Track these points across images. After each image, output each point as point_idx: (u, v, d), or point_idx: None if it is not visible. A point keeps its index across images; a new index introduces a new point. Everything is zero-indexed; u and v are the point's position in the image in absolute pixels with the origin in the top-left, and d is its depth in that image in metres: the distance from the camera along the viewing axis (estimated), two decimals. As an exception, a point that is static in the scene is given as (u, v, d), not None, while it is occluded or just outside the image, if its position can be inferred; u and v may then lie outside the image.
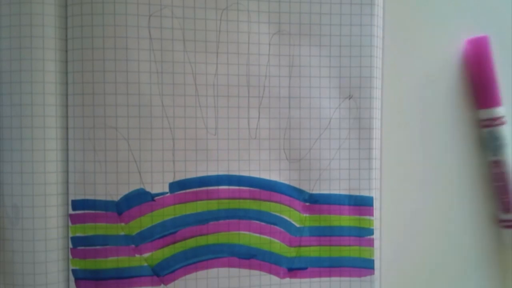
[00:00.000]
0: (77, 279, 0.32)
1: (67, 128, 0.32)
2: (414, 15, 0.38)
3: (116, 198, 0.32)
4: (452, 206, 0.39)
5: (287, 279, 0.35)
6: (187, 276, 0.34)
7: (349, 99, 0.35)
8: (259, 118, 0.35)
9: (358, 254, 0.36)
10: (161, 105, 0.33)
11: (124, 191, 0.33)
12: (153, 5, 0.33)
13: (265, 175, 0.34)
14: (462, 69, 0.38)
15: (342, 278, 0.36)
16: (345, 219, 0.35)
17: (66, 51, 0.32)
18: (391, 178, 0.37)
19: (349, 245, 0.36)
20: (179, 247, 0.34)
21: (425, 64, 0.38)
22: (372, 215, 0.36)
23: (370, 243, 0.36)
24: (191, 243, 0.34)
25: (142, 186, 0.33)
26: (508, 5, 0.39)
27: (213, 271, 0.34)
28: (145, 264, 0.33)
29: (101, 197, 0.32)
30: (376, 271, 0.36)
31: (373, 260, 0.36)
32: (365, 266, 0.36)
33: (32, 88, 0.31)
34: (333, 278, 0.35)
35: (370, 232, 0.36)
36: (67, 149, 0.32)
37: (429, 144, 0.38)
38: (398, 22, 0.37)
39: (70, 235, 0.32)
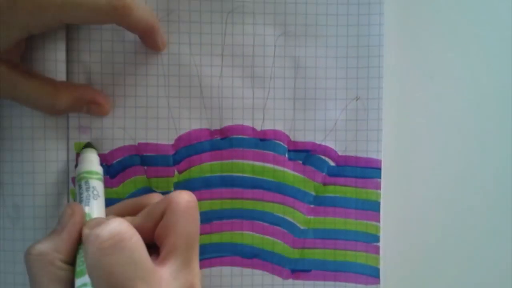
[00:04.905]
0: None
1: (67, 128, 0.33)
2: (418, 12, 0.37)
3: (123, 196, 0.34)
4: (464, 215, 0.37)
5: (290, 280, 0.35)
6: (191, 274, 0.34)
7: (356, 100, 0.35)
8: (263, 119, 0.35)
9: (365, 260, 0.35)
10: (167, 106, 0.34)
11: (130, 189, 0.34)
12: (161, 10, 0.34)
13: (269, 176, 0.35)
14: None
15: (348, 284, 0.35)
16: (351, 223, 0.35)
17: (67, 51, 0.33)
18: (399, 182, 0.36)
19: (355, 250, 0.35)
20: (183, 245, 0.34)
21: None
22: (378, 221, 0.35)
23: (376, 250, 0.35)
24: (195, 241, 0.34)
25: (148, 185, 0.34)
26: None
27: (216, 270, 0.35)
28: (150, 260, 0.34)
29: (107, 195, 0.34)
30: (381, 274, 0.35)
31: (378, 269, 0.35)
32: (372, 274, 0.35)
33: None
34: (338, 283, 0.35)
35: (376, 239, 0.35)
36: (67, 149, 0.33)
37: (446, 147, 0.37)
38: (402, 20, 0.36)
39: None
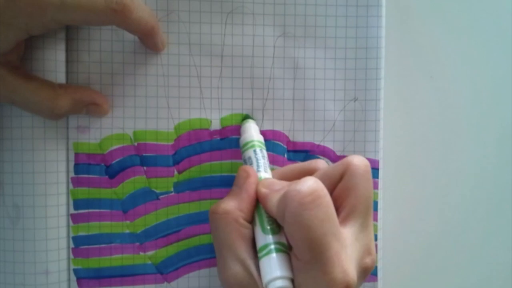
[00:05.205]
0: (79, 279, 0.33)
1: (67, 128, 0.33)
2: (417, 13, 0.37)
3: (122, 197, 0.34)
4: (463, 215, 0.37)
5: (289, 281, 0.35)
6: (190, 274, 0.34)
7: (354, 101, 0.35)
8: (263, 120, 0.35)
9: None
10: (167, 107, 0.34)
11: (129, 190, 0.34)
12: (160, 10, 0.34)
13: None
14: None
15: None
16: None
17: (67, 51, 0.32)
18: (398, 181, 0.37)
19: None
20: (182, 245, 0.34)
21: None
22: (376, 220, 0.35)
23: (374, 248, 0.35)
24: (194, 241, 0.34)
25: (147, 185, 0.34)
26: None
27: (215, 269, 0.34)
28: (149, 262, 0.34)
29: (106, 195, 0.34)
30: (379, 272, 0.35)
31: (376, 267, 0.35)
32: (369, 271, 0.35)
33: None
34: (336, 281, 0.35)
35: (374, 237, 0.35)
36: (67, 149, 0.33)
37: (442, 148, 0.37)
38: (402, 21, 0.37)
39: (72, 234, 0.33)
